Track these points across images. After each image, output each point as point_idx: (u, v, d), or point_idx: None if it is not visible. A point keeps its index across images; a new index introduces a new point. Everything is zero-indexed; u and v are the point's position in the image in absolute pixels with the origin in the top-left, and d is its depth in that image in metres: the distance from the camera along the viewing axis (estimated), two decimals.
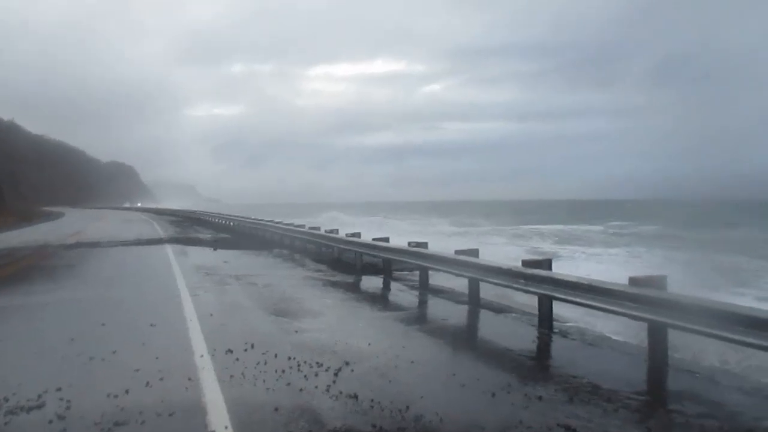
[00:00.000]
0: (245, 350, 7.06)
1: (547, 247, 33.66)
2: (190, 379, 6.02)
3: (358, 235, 17.64)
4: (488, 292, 10.86)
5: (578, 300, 7.96)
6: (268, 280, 13.75)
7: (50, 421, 4.97)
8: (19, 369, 6.65)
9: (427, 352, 7.42)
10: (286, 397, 5.50)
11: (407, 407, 5.16)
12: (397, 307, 10.82)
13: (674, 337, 7.01)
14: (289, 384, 5.86)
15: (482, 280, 10.40)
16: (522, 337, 8.36)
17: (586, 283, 7.95)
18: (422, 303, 11.41)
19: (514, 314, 9.83)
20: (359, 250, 16.12)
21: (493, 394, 5.62)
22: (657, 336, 6.91)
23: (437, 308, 10.71)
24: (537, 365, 7.16)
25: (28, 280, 14.71)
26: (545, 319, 8.78)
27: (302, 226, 23.61)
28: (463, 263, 10.82)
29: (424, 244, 13.44)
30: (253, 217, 33.52)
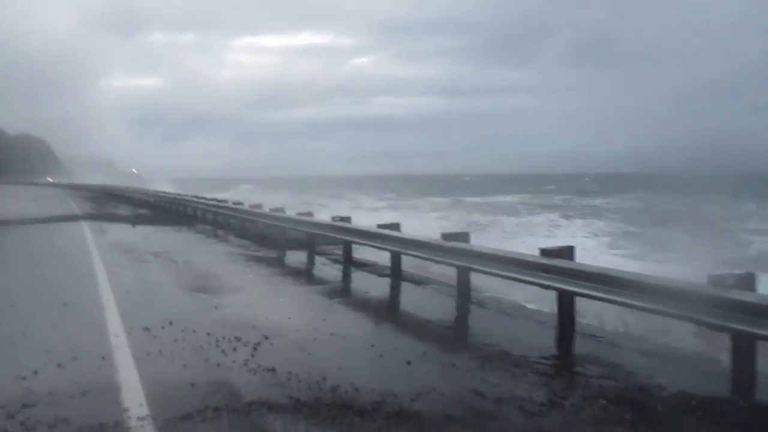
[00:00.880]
0: (162, 328, 6.96)
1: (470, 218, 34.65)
2: (103, 358, 5.90)
3: (282, 210, 17.52)
4: (411, 264, 11.08)
5: (494, 271, 8.26)
6: (189, 257, 13.51)
7: None
8: None
9: (348, 325, 7.54)
10: (203, 372, 5.49)
11: (324, 378, 5.26)
12: (320, 281, 10.91)
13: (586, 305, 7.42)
14: (206, 360, 5.85)
15: (403, 254, 10.60)
16: (441, 308, 8.61)
17: (502, 254, 8.25)
18: (345, 277, 11.53)
19: (434, 286, 10.10)
20: (283, 225, 16.04)
21: (409, 363, 5.81)
22: (565, 303, 7.28)
23: (360, 282, 10.85)
24: (453, 334, 7.42)
25: None
26: (464, 290, 9.06)
27: (225, 201, 23.20)
28: (385, 237, 10.99)
29: (348, 219, 13.52)
30: (173, 193, 32.65)
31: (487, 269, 8.39)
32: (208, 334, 6.69)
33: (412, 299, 9.51)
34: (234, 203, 21.80)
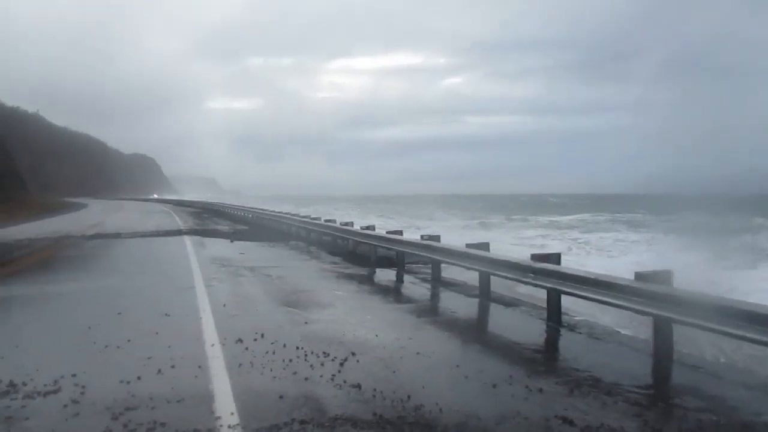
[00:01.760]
0: (255, 340, 7.23)
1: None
2: (200, 367, 6.20)
3: (373, 228, 17.76)
4: (501, 285, 10.93)
5: (585, 294, 8.00)
6: (282, 272, 13.93)
7: (65, 405, 5.17)
8: (36, 355, 6.88)
9: (434, 344, 7.52)
10: (291, 385, 5.65)
11: (408, 397, 5.28)
12: (408, 300, 10.94)
13: (683, 332, 7.05)
14: (295, 373, 6.01)
15: (492, 274, 10.47)
16: (529, 331, 8.43)
17: (593, 277, 7.99)
18: (433, 296, 11.51)
19: (523, 308, 9.90)
20: (374, 243, 16.24)
21: (495, 386, 5.72)
22: (662, 330, 6.94)
23: (447, 301, 10.80)
24: (541, 358, 7.24)
25: (47, 270, 15.08)
26: (554, 312, 8.84)
27: (318, 218, 23.78)
28: (474, 257, 10.90)
29: (437, 238, 13.53)
30: (270, 209, 33.81)
31: (578, 292, 8.14)
32: (298, 348, 6.88)
33: (499, 321, 9.37)
34: (326, 220, 22.32)
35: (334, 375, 5.94)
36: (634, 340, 7.80)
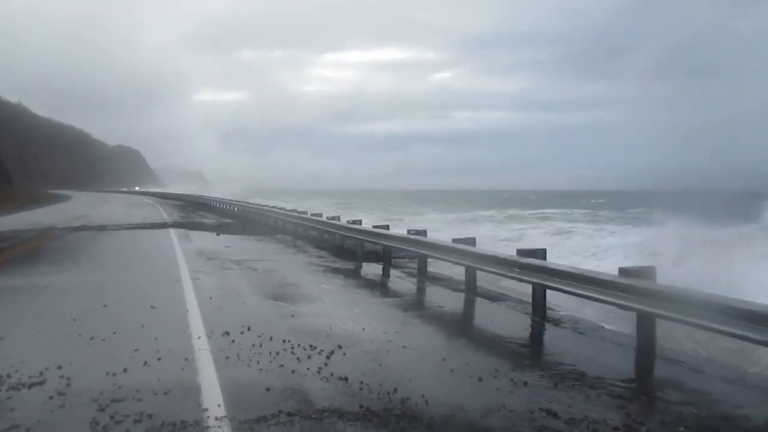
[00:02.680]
0: (241, 333, 7.24)
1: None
2: (186, 359, 6.20)
3: (360, 222, 17.78)
4: (486, 280, 11.00)
5: (570, 289, 8.09)
6: (269, 266, 13.92)
7: (51, 397, 5.15)
8: (21, 347, 6.84)
9: (420, 338, 7.57)
10: (278, 378, 5.67)
11: (395, 389, 5.32)
12: (395, 294, 10.99)
13: (666, 327, 7.15)
14: (282, 366, 6.03)
15: (478, 269, 10.54)
16: (514, 325, 8.50)
17: (578, 272, 8.09)
18: (419, 290, 11.56)
19: (509, 302, 9.98)
20: (360, 237, 16.26)
21: (480, 379, 5.78)
22: (645, 325, 7.04)
23: (434, 295, 10.86)
24: (526, 352, 7.30)
25: (32, 262, 14.96)
26: (539, 307, 8.92)
27: (304, 212, 23.75)
28: (460, 251, 10.96)
29: (423, 233, 13.59)
30: (256, 203, 33.71)
31: (563, 287, 8.22)
32: (284, 341, 6.90)
33: (485, 315, 9.44)
34: (312, 214, 22.30)
35: (320, 368, 5.97)
36: (617, 335, 7.89)
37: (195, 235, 22.09)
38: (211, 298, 9.60)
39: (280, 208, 27.34)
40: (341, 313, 8.92)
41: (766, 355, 6.93)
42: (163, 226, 26.14)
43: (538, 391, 5.53)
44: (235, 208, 36.44)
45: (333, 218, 19.97)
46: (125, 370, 5.81)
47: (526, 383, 5.71)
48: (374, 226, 16.33)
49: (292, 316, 8.48)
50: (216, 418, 4.65)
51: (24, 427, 4.57)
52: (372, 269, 13.99)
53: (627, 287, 7.06)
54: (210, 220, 31.03)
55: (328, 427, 4.58)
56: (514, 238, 27.27)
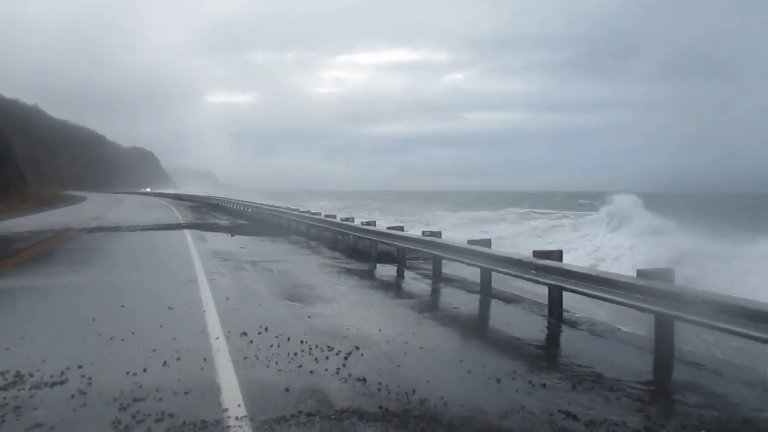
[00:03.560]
0: (259, 333, 7.28)
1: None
2: (205, 359, 6.24)
3: (374, 223, 17.81)
4: (501, 282, 10.98)
5: (587, 291, 8.05)
6: (284, 267, 13.98)
7: (72, 396, 5.21)
8: (42, 347, 6.91)
9: (437, 339, 7.57)
10: (297, 378, 5.69)
11: (413, 391, 5.33)
12: (410, 295, 10.99)
13: (685, 329, 7.11)
14: (300, 366, 6.06)
15: (494, 270, 10.52)
16: (531, 327, 8.48)
17: (594, 274, 8.05)
18: (434, 291, 11.56)
19: (524, 304, 9.96)
20: (374, 239, 16.29)
21: (498, 381, 5.78)
22: (663, 328, 7.00)
23: (449, 297, 10.86)
24: (543, 354, 7.28)
25: (50, 262, 15.10)
26: (555, 309, 8.90)
27: (318, 213, 23.82)
28: (475, 253, 10.94)
29: (438, 234, 13.58)
30: (269, 204, 33.83)
31: (580, 288, 8.19)
32: (302, 341, 6.93)
33: (501, 316, 9.42)
34: (326, 215, 22.36)
35: (338, 368, 5.99)
36: (634, 337, 7.85)
37: (209, 236, 22.21)
38: (227, 298, 9.66)
39: (293, 210, 27.42)
40: (357, 314, 8.94)
41: None
42: (178, 227, 26.31)
43: (556, 393, 5.52)
44: (249, 209, 36.60)
45: (347, 219, 20.00)
46: (145, 370, 5.87)
47: (544, 385, 5.70)
48: (388, 227, 16.35)
49: (309, 317, 8.51)
50: (236, 418, 4.69)
51: (47, 425, 4.62)
52: (386, 270, 14.00)
53: (645, 289, 7.02)
54: (224, 221, 31.19)
55: (348, 427, 4.59)
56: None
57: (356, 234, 17.88)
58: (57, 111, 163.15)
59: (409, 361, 6.40)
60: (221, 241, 20.53)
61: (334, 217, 21.80)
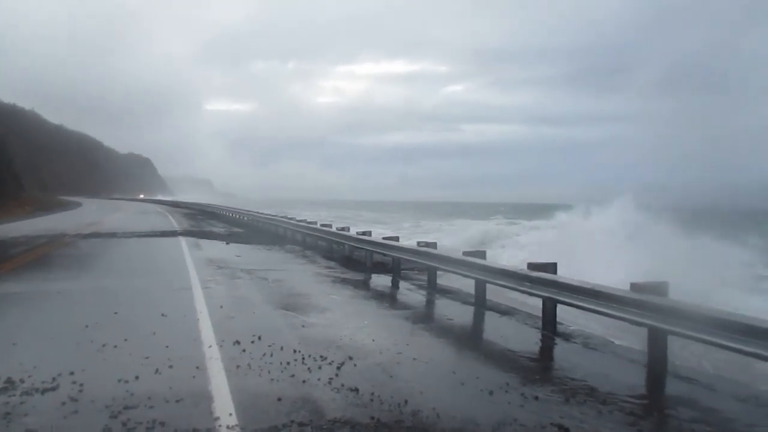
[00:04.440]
0: (252, 342, 7.26)
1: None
2: (198, 367, 6.22)
3: (369, 233, 17.80)
4: (496, 293, 10.98)
5: (581, 304, 8.07)
6: (278, 275, 13.96)
7: (63, 403, 5.18)
8: (34, 353, 6.88)
9: (430, 351, 7.56)
10: (289, 387, 5.68)
11: (406, 401, 5.32)
12: (404, 306, 10.98)
13: (678, 344, 7.12)
14: (293, 376, 6.04)
15: (488, 282, 10.52)
16: (524, 339, 8.48)
17: (589, 287, 8.05)
18: (429, 302, 11.55)
19: (518, 316, 9.95)
20: (370, 249, 16.28)
21: (491, 393, 5.77)
22: (656, 341, 7.01)
23: (443, 308, 10.85)
24: (537, 366, 7.28)
25: (44, 268, 15.05)
26: (549, 321, 8.90)
27: (314, 222, 23.81)
28: (470, 264, 10.95)
29: (433, 245, 13.58)
30: (265, 213, 33.81)
31: (574, 301, 8.21)
32: (295, 351, 6.92)
33: (495, 328, 9.41)
34: (322, 225, 22.35)
35: (331, 378, 5.97)
36: (628, 351, 7.85)
37: (205, 243, 22.18)
38: (221, 306, 9.64)
39: (289, 218, 27.41)
40: (351, 324, 8.93)
41: None
42: (173, 234, 26.26)
43: (549, 405, 5.51)
44: (245, 218, 36.58)
45: (342, 229, 20.00)
46: (137, 378, 5.84)
47: (537, 398, 5.69)
48: (384, 238, 16.35)
49: (303, 326, 8.49)
50: (228, 427, 4.67)
51: None
52: (381, 281, 13.99)
53: (639, 302, 7.03)
54: (220, 228, 31.15)
55: None
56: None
57: (352, 244, 17.87)
58: (54, 116, 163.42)
59: (403, 372, 6.39)
60: (216, 248, 20.50)
61: (330, 226, 21.79)
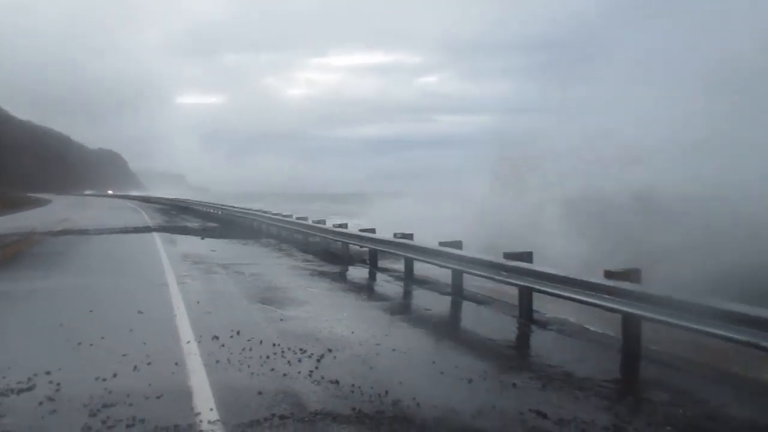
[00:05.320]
0: (231, 337, 7.24)
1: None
2: (176, 363, 6.20)
3: (345, 225, 17.80)
4: (473, 283, 11.08)
5: (557, 291, 8.19)
6: (255, 270, 13.91)
7: (40, 403, 5.13)
8: (9, 353, 6.78)
9: (409, 341, 7.62)
10: (269, 381, 5.69)
11: (386, 392, 5.37)
12: (382, 297, 11.03)
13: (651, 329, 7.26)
14: (273, 369, 6.05)
15: (465, 272, 10.62)
16: (502, 328, 8.58)
17: (564, 275, 8.18)
18: (406, 293, 11.61)
19: (495, 305, 10.06)
20: (346, 241, 16.30)
21: (470, 381, 5.84)
22: (631, 327, 7.15)
23: (421, 298, 10.91)
24: (514, 354, 7.38)
25: (16, 266, 14.79)
26: (525, 310, 9.01)
27: (290, 215, 23.71)
28: (447, 254, 11.03)
29: (410, 236, 13.63)
30: (240, 207, 33.56)
31: (550, 289, 8.32)
32: (274, 344, 6.92)
33: (472, 318, 9.51)
34: (298, 218, 22.27)
35: (311, 371, 6.00)
36: (603, 337, 7.99)
37: (179, 239, 21.98)
38: (198, 302, 9.58)
39: (265, 212, 27.24)
40: (330, 316, 8.94)
41: (747, 356, 7.04)
42: (147, 230, 25.97)
43: (527, 392, 5.61)
44: (219, 212, 36.27)
45: (318, 221, 19.95)
46: (115, 375, 5.80)
47: (515, 385, 5.78)
48: (360, 230, 16.36)
49: (281, 320, 8.49)
50: (209, 422, 4.67)
51: None
52: (358, 272, 14.02)
53: (613, 289, 7.16)
54: (194, 223, 30.88)
55: (321, 429, 4.62)
56: None
57: (328, 236, 17.86)
58: (21, 112, 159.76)
59: (382, 363, 6.44)
60: (191, 244, 20.33)
61: (306, 219, 21.72)
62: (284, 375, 5.89)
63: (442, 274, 11.93)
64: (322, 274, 13.52)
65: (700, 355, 7.23)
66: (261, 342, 7.02)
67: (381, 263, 14.70)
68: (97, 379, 5.69)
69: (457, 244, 11.64)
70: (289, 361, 6.32)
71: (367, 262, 15.04)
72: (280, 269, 14.40)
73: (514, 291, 9.27)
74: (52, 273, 13.41)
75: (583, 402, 5.39)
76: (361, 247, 15.45)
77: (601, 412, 5.16)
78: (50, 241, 21.23)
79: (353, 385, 5.55)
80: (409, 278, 12.76)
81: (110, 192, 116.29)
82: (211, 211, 38.83)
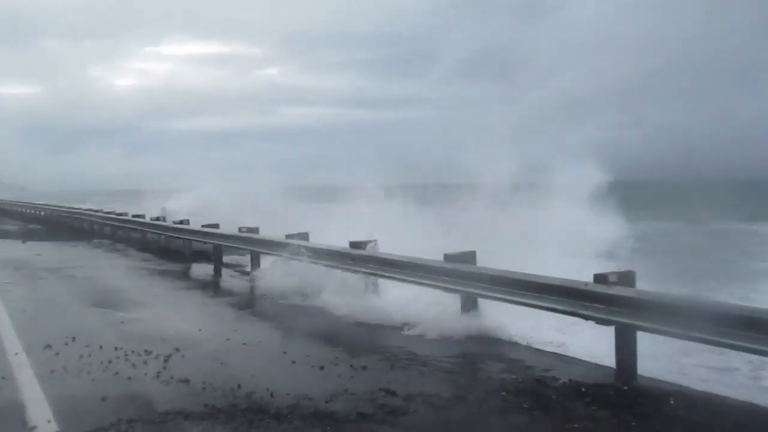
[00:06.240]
0: (66, 344, 6.78)
1: None
2: (4, 378, 5.71)
3: (187, 222, 17.17)
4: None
5: (401, 277, 8.57)
6: (88, 272, 13.03)
7: None
8: None
9: (259, 334, 7.60)
10: (113, 386, 5.43)
11: (239, 386, 5.34)
12: (229, 293, 10.86)
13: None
14: (116, 373, 5.78)
15: (313, 263, 10.72)
16: (351, 315, 8.78)
17: (407, 260, 8.57)
18: (254, 287, 11.48)
19: (345, 295, 10.24)
20: (188, 237, 15.75)
21: (322, 368, 5.98)
22: (468, 306, 7.69)
23: (270, 292, 10.84)
24: (364, 340, 7.62)
25: None
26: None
27: (125, 213, 22.37)
28: (294, 246, 11.05)
29: (255, 229, 13.47)
30: (67, 206, 31.06)
31: (394, 275, 8.68)
32: (116, 348, 6.59)
33: (325, 308, 9.63)
34: (134, 216, 21.08)
35: (159, 372, 5.81)
36: (445, 315, 8.45)
37: None
38: (25, 310, 8.84)
39: (96, 211, 25.45)
40: (175, 315, 8.66)
41: (555, 322, 7.75)
42: None
43: (376, 373, 5.85)
44: (42, 212, 33.33)
45: (157, 219, 19.05)
46: None
47: (365, 367, 6.01)
48: (203, 225, 15.87)
49: (122, 322, 8.08)
50: None
51: None
52: (203, 269, 13.65)
53: (451, 271, 7.65)
54: (13, 226, 28.16)
55: (173, 428, 4.52)
56: None
57: (168, 234, 17.14)
58: None
59: (233, 358, 6.38)
60: (11, 248, 18.59)
61: (143, 217, 20.62)
62: (129, 378, 5.64)
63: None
64: (164, 273, 12.99)
65: (530, 330, 7.93)
66: (101, 347, 6.63)
67: (226, 258, 14.39)
68: None
69: (304, 236, 11.72)
70: (133, 364, 6.06)
71: (212, 258, 14.65)
72: (117, 270, 13.62)
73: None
74: None
75: (428, 377, 5.77)
76: (205, 243, 15.01)
77: (445, 384, 5.54)
78: None
79: (204, 382, 5.46)
80: (256, 272, 12.61)
81: None
82: (32, 212, 35.54)
